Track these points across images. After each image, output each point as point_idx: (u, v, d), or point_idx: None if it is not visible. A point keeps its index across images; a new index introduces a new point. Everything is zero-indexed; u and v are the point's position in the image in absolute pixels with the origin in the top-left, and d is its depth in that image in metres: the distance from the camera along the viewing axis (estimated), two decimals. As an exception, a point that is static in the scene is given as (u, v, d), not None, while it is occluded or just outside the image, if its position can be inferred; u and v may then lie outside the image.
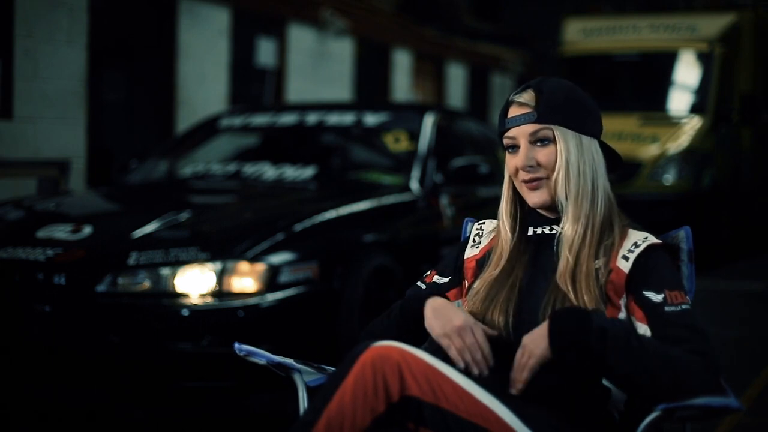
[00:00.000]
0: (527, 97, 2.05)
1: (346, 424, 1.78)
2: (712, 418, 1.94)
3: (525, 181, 2.06)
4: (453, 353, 1.94)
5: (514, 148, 2.08)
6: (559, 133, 2.03)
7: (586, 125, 2.07)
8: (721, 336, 5.58)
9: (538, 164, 2.04)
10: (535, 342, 1.89)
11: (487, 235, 2.21)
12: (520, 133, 2.05)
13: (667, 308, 1.94)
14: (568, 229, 2.02)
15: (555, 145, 2.03)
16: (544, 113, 2.03)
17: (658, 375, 1.84)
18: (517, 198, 2.13)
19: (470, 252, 2.20)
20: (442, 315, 1.98)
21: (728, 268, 9.23)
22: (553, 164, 2.03)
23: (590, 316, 1.88)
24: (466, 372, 1.92)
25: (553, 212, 2.09)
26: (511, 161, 2.08)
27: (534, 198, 2.06)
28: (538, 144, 2.04)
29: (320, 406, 1.80)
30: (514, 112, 2.07)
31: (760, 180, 11.24)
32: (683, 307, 1.95)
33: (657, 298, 1.95)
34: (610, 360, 1.85)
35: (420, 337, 2.05)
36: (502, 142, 2.11)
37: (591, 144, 2.06)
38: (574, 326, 1.87)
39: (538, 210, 2.11)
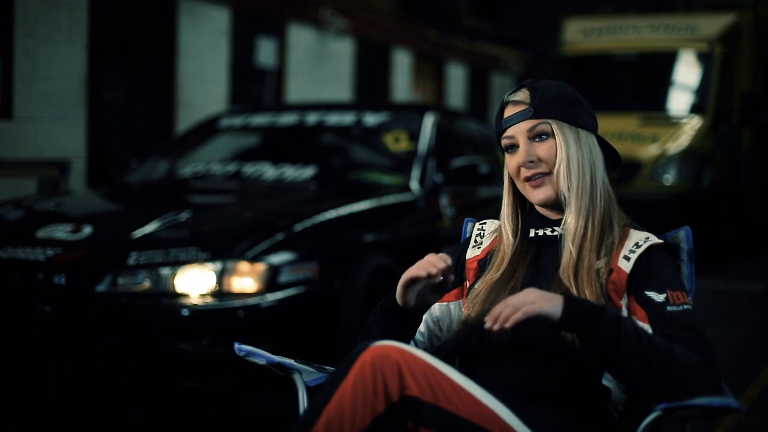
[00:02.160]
0: (522, 95, 2.07)
1: (345, 424, 1.78)
2: (712, 418, 1.94)
3: (528, 179, 2.06)
4: (415, 270, 1.95)
5: (513, 147, 2.08)
6: (557, 126, 2.04)
7: (582, 120, 2.08)
8: (721, 336, 5.59)
9: (539, 159, 2.05)
10: (547, 297, 1.83)
11: (489, 236, 2.21)
12: (519, 130, 2.06)
13: (669, 308, 1.94)
14: (571, 222, 2.03)
15: (554, 140, 2.05)
16: (540, 108, 2.04)
17: (662, 373, 1.84)
18: (518, 200, 2.13)
19: (472, 252, 2.20)
20: None
21: (728, 268, 9.24)
22: (554, 158, 2.04)
23: (605, 308, 1.87)
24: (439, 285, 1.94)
25: (554, 212, 2.10)
26: (512, 161, 2.08)
27: (538, 195, 2.06)
28: (537, 139, 2.05)
29: (319, 406, 1.80)
30: (510, 111, 2.08)
31: (760, 180, 11.24)
32: (685, 307, 1.95)
33: (659, 298, 1.95)
34: (619, 353, 1.84)
35: (399, 329, 2.04)
36: (501, 144, 2.11)
37: (588, 138, 2.07)
38: (588, 310, 1.85)
39: (540, 211, 2.11)
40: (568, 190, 2.04)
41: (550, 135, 2.05)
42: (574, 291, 1.96)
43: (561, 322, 1.83)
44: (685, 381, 1.84)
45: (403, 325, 2.05)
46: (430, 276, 1.93)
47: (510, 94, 2.10)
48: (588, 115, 2.10)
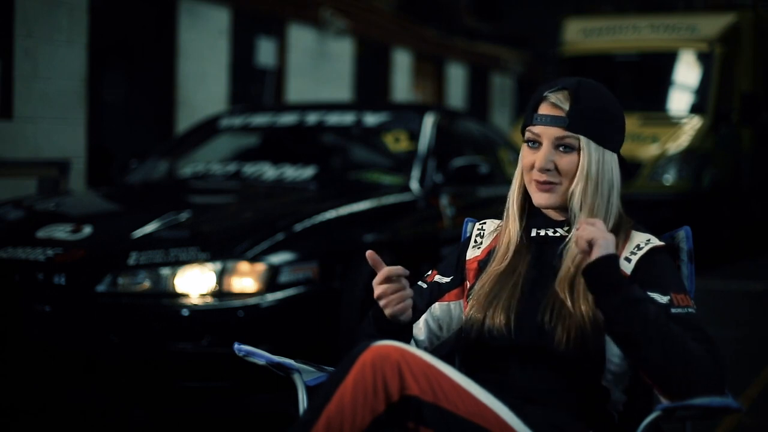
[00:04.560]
0: (562, 98, 2.02)
1: (345, 423, 1.78)
2: (712, 418, 1.94)
3: (537, 181, 2.05)
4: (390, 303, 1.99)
5: (535, 143, 2.05)
6: (585, 144, 2.01)
7: (613, 140, 2.05)
8: (721, 336, 5.55)
9: (557, 169, 2.02)
10: (603, 246, 1.84)
11: (489, 236, 2.20)
12: (547, 133, 2.03)
13: (673, 310, 1.93)
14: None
15: (578, 155, 2.01)
16: (575, 122, 2.00)
17: (672, 356, 1.82)
18: (527, 191, 2.11)
19: (472, 253, 2.19)
20: None
21: (728, 268, 9.23)
22: (571, 173, 2.01)
23: (629, 285, 1.87)
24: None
25: (557, 214, 2.09)
26: (529, 156, 2.06)
27: (540, 199, 2.05)
28: (561, 149, 2.02)
29: (320, 406, 1.80)
30: (545, 110, 2.04)
31: (760, 180, 11.24)
32: (689, 310, 1.94)
33: (663, 299, 1.94)
34: (632, 325, 1.83)
35: (393, 337, 2.03)
36: (523, 132, 2.08)
37: (612, 159, 2.04)
38: (614, 271, 1.86)
39: (543, 210, 2.10)
40: (581, 209, 2.01)
41: (576, 149, 2.01)
42: (569, 303, 1.95)
43: (585, 269, 1.85)
44: (692, 370, 1.82)
45: (397, 333, 2.04)
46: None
47: (551, 90, 2.04)
48: (619, 134, 2.07)
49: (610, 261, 1.84)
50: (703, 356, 1.85)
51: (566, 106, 2.01)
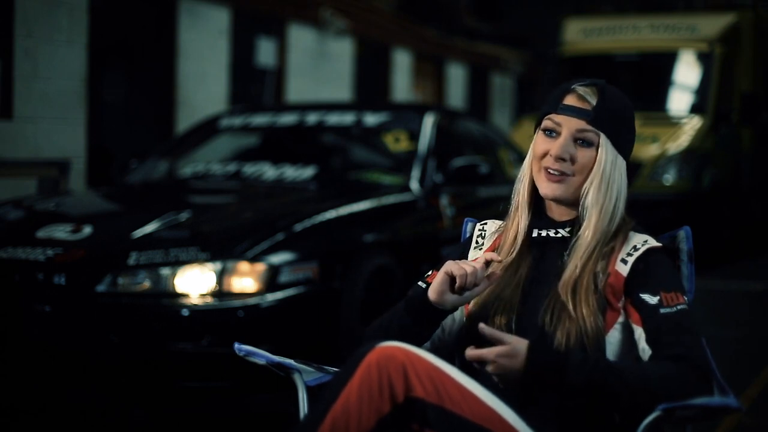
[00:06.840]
0: (590, 92, 2.03)
1: (351, 425, 1.77)
2: (712, 418, 1.94)
3: (549, 170, 2.04)
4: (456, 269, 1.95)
5: (553, 133, 2.05)
6: (604, 141, 2.02)
7: (626, 146, 2.06)
8: (721, 336, 5.58)
9: (572, 160, 2.02)
10: (514, 364, 1.86)
11: (491, 237, 2.20)
12: (568, 124, 2.03)
13: (662, 310, 1.94)
14: (588, 236, 2.01)
15: (595, 153, 2.02)
16: (599, 117, 2.01)
17: (639, 401, 1.85)
18: (536, 186, 2.10)
19: (474, 254, 2.19)
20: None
21: (728, 268, 9.23)
22: (586, 168, 2.02)
23: (567, 368, 1.86)
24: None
25: (561, 214, 2.09)
26: (544, 144, 2.05)
27: (548, 189, 2.04)
28: (579, 142, 2.02)
29: (325, 407, 1.80)
30: (571, 101, 2.04)
31: (760, 180, 11.23)
32: (679, 307, 1.95)
33: (653, 300, 1.95)
34: (590, 392, 1.87)
35: (421, 328, 2.04)
36: (540, 120, 2.08)
37: (622, 166, 2.06)
38: (551, 371, 1.86)
39: (547, 211, 2.10)
40: (593, 206, 2.02)
41: (594, 146, 2.02)
42: (570, 306, 1.95)
43: (525, 374, 1.85)
44: (665, 398, 1.84)
45: (427, 322, 2.03)
46: (461, 283, 1.95)
47: (580, 84, 2.05)
48: (631, 142, 2.09)
49: (532, 362, 1.84)
50: (674, 375, 1.86)
51: (593, 101, 2.02)
